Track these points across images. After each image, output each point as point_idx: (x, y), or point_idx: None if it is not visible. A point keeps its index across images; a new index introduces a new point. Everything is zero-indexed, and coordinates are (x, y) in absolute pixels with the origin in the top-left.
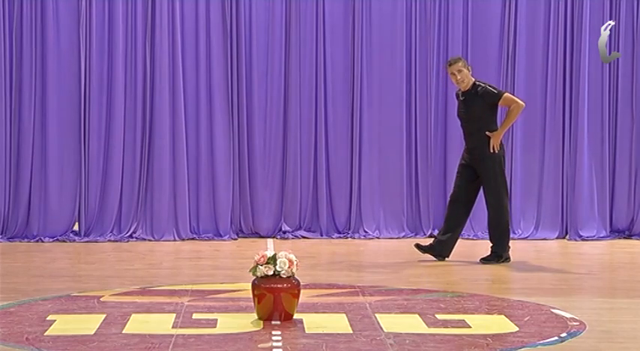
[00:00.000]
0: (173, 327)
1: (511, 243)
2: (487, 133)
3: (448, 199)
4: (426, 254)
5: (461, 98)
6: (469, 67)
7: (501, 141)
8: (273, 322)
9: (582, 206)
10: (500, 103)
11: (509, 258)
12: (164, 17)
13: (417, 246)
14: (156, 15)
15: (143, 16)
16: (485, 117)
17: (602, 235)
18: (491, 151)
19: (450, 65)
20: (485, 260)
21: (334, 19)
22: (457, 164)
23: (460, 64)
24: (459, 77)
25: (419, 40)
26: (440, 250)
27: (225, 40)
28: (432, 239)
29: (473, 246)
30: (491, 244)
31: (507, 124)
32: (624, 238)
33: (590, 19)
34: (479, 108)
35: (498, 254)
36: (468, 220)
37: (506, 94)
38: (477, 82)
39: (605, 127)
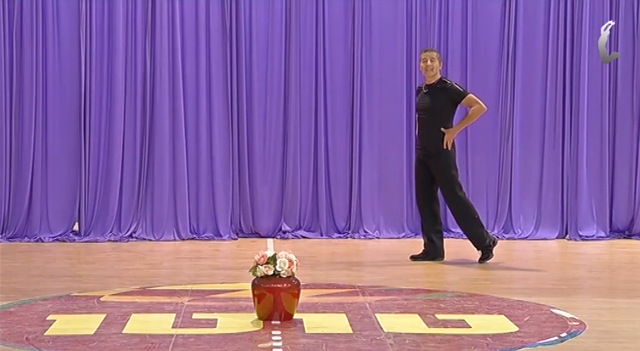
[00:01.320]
0: (173, 327)
1: (511, 243)
2: (442, 129)
3: (415, 199)
4: (424, 262)
5: (424, 91)
6: (441, 62)
7: (453, 139)
8: (273, 322)
9: (582, 206)
10: (463, 102)
11: (494, 240)
12: (164, 17)
13: (412, 258)
14: (156, 15)
15: (143, 16)
16: (445, 113)
17: (601, 235)
18: (445, 147)
19: (425, 51)
20: (481, 260)
21: (334, 19)
22: (413, 163)
23: (435, 54)
24: (429, 63)
25: (419, 40)
26: (434, 253)
27: (225, 40)
28: (423, 243)
29: (472, 246)
30: (472, 243)
31: (465, 123)
32: (624, 238)
33: (590, 19)
34: (441, 103)
35: (484, 246)
36: (441, 213)
37: (470, 95)
38: (444, 78)
39: (605, 127)
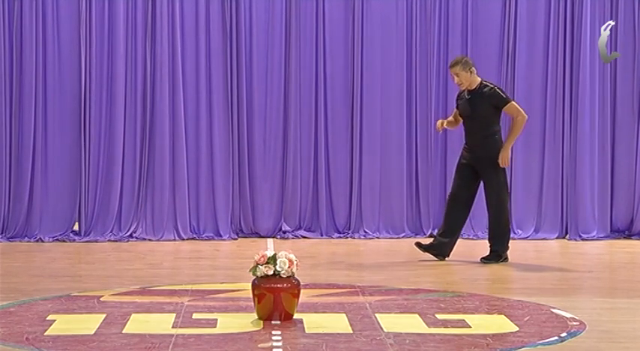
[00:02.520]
0: (173, 327)
1: (511, 243)
2: (494, 146)
3: (447, 197)
4: (426, 253)
5: (467, 97)
6: (472, 69)
7: (501, 142)
8: (273, 322)
9: (582, 206)
10: (505, 109)
11: (507, 258)
12: (164, 17)
13: (418, 244)
14: (156, 15)
15: (143, 16)
16: (490, 117)
17: (602, 235)
18: (501, 165)
19: (450, 67)
20: (485, 260)
21: (334, 19)
22: (456, 163)
23: (458, 67)
24: (456, 80)
25: (419, 40)
26: (440, 250)
27: (225, 40)
28: (432, 238)
29: (473, 246)
30: (489, 244)
31: (513, 137)
32: (624, 238)
33: (591, 19)
34: (484, 107)
35: (498, 253)
36: (468, 220)
37: (513, 103)
38: (485, 82)
39: (606, 127)
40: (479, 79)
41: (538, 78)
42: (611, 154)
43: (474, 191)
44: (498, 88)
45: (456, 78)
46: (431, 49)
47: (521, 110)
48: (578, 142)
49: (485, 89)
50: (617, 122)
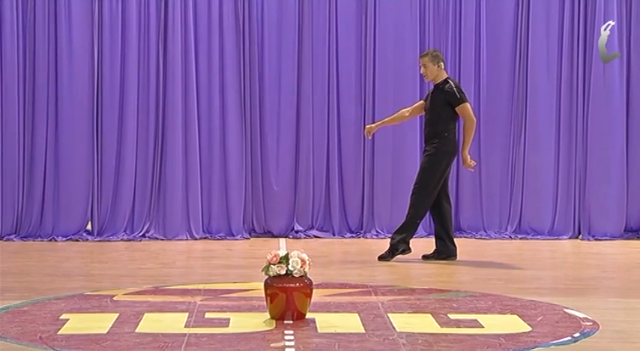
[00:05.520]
0: (186, 326)
1: (524, 242)
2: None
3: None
4: (437, 261)
5: (431, 91)
6: (440, 64)
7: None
8: (285, 322)
9: (595, 206)
10: (457, 108)
11: (405, 249)
12: (177, 16)
13: (424, 257)
14: (169, 13)
15: (156, 15)
16: (443, 113)
17: (615, 235)
18: (465, 168)
19: (420, 57)
20: (382, 258)
21: (347, 17)
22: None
23: (426, 59)
24: (422, 70)
25: (432, 38)
26: (447, 253)
27: (238, 38)
28: (434, 243)
29: (485, 246)
30: (392, 236)
31: (468, 140)
32: (638, 237)
33: (604, 18)
34: (439, 103)
35: (396, 246)
36: (452, 211)
37: (466, 104)
38: (449, 79)
39: (621, 126)
40: (445, 75)
41: (551, 77)
42: (625, 154)
43: (444, 185)
44: (457, 87)
45: (422, 68)
46: (444, 47)
47: (472, 114)
48: (591, 142)
49: (446, 86)
50: (631, 121)
